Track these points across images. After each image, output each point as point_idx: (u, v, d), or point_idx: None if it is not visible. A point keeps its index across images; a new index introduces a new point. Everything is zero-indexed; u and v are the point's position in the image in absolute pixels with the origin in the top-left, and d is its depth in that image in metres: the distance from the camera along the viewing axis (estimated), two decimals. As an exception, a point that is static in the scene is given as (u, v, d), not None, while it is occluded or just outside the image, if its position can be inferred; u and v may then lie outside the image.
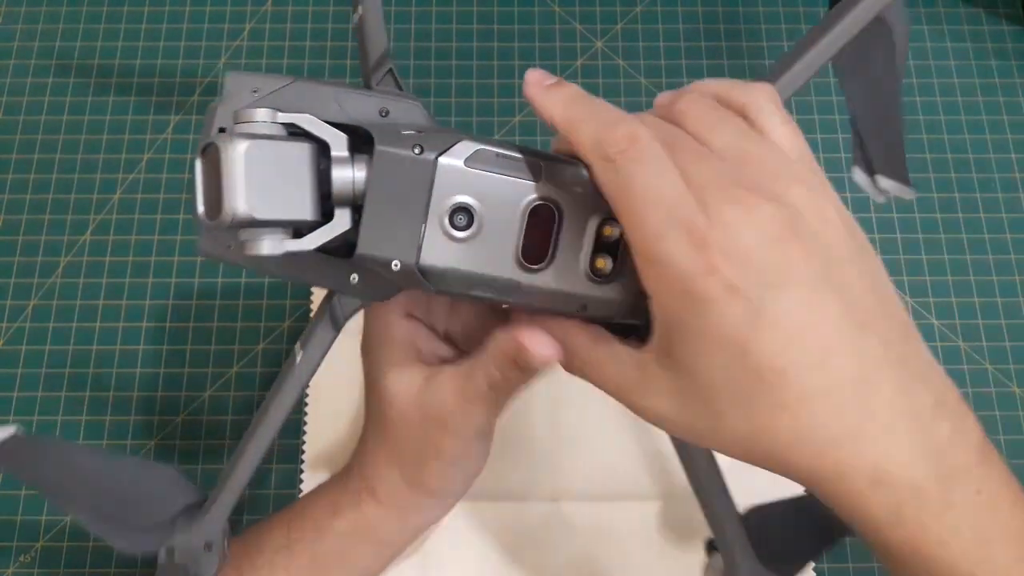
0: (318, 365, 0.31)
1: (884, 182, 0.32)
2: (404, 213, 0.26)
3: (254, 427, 0.32)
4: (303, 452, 0.47)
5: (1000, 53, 0.56)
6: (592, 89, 0.55)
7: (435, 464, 0.35)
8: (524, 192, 0.27)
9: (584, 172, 0.27)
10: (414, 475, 0.36)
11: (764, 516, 0.34)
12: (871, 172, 0.32)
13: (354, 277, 0.28)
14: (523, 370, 0.31)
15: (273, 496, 0.47)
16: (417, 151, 0.26)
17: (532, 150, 0.28)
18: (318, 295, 0.48)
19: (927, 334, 0.49)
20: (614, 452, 0.46)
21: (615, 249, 0.28)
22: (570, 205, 0.27)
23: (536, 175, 0.27)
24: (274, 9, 0.57)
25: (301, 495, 0.43)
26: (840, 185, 0.53)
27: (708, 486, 0.31)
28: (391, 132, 0.27)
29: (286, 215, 0.25)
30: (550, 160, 0.28)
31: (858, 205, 0.52)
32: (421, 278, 0.27)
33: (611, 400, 0.28)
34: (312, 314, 0.31)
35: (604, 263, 0.28)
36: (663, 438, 0.47)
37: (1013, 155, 0.54)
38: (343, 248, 0.27)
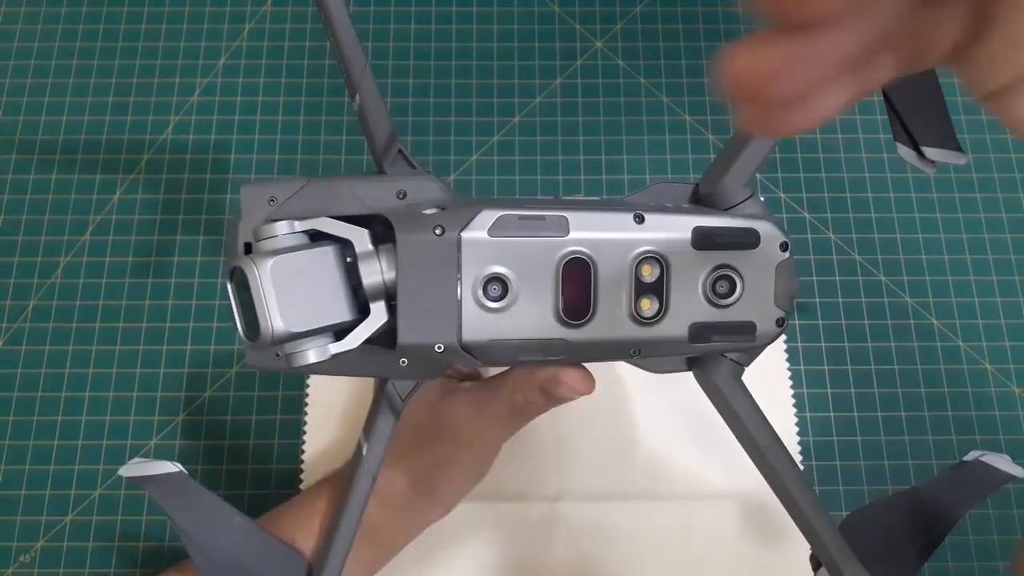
0: (385, 453, 0.31)
1: (932, 152, 0.30)
2: (438, 295, 0.26)
3: (336, 523, 0.31)
4: (303, 452, 0.47)
5: (1000, 53, 0.56)
6: (592, 89, 0.56)
7: (443, 473, 0.36)
8: (553, 249, 0.27)
9: (613, 216, 0.27)
10: (421, 481, 0.37)
11: (863, 521, 0.31)
12: (915, 146, 0.30)
13: (403, 361, 0.28)
14: (549, 399, 0.31)
15: (273, 496, 0.47)
16: (439, 232, 0.26)
17: (557, 200, 0.27)
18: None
19: (927, 334, 0.49)
20: (614, 452, 0.46)
21: (658, 289, 0.27)
22: (602, 252, 0.27)
23: (563, 229, 0.27)
24: (274, 9, 0.57)
25: (301, 492, 0.43)
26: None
27: (800, 500, 0.29)
28: (411, 216, 0.27)
29: (323, 322, 0.26)
30: (575, 208, 0.27)
31: (857, 206, 0.52)
32: (467, 355, 0.27)
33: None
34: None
35: (649, 304, 0.27)
36: (662, 439, 0.47)
37: (1013, 155, 0.54)
38: (387, 335, 0.27)
